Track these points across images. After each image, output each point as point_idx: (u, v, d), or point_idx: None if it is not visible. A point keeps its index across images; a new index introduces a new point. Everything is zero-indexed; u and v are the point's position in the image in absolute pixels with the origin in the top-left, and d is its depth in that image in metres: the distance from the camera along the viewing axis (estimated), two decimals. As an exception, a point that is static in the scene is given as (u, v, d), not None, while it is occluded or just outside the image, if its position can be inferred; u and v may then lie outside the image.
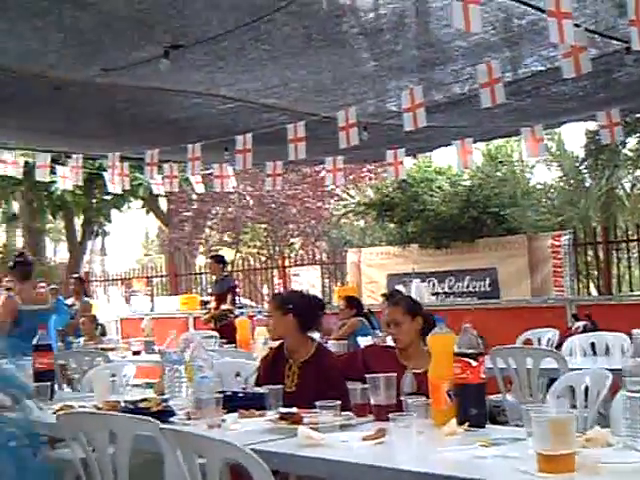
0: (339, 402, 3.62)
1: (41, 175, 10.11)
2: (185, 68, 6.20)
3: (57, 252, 39.76)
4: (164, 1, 4.98)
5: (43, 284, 9.81)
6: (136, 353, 8.70)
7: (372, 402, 3.66)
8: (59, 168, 10.57)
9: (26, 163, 10.93)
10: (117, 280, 21.27)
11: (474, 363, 3.27)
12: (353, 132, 7.55)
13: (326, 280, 17.74)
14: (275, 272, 18.77)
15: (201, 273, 20.73)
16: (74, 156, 9.91)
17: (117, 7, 4.91)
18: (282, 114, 8.13)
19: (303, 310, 4.64)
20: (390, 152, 9.35)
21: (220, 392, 3.89)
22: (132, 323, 14.60)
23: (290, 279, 17.39)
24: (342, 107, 7.57)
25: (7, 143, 9.58)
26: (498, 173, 16.45)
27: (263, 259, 21.79)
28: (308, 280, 17.04)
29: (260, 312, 8.82)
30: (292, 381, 4.53)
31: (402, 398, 3.54)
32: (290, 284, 17.22)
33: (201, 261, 25.61)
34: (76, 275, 13.99)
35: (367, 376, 3.75)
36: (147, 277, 20.87)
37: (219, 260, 11.51)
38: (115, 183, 10.12)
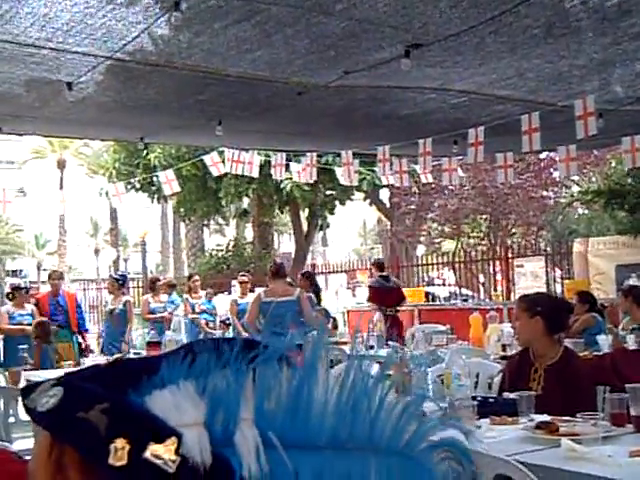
0: (601, 413, 3.50)
1: (277, 173, 10.62)
2: (423, 66, 6.29)
3: (280, 244, 41.50)
4: (407, 2, 5.07)
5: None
6: (370, 347, 8.36)
7: (633, 413, 3.49)
8: (293, 166, 11.04)
9: (263, 162, 11.49)
10: (340, 272, 21.87)
11: None
12: (591, 121, 7.31)
13: (550, 271, 17.27)
14: (497, 263, 18.53)
15: (422, 265, 20.86)
16: (308, 154, 10.31)
17: (362, 11, 5.06)
18: (515, 105, 8.03)
19: (551, 312, 4.51)
20: (627, 139, 8.94)
21: (472, 398, 3.89)
22: (358, 315, 14.90)
23: (513, 270, 17.10)
24: (578, 95, 7.35)
25: (246, 144, 10.14)
26: None
27: (484, 249, 21.56)
28: (532, 271, 16.66)
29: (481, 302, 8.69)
30: (538, 384, 4.45)
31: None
32: (513, 275, 16.93)
33: (421, 252, 25.77)
34: (304, 271, 14.48)
35: (628, 386, 3.59)
36: (370, 268, 21.26)
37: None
38: (347, 178, 10.41)
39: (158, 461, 0.69)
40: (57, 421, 0.75)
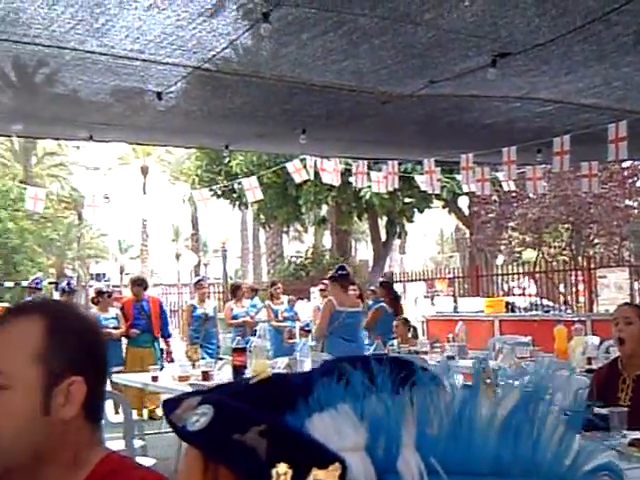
0: None
1: (357, 181, 10.68)
2: (508, 74, 6.25)
3: (357, 251, 41.57)
4: (494, 12, 5.06)
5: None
6: (450, 358, 8.32)
7: None
8: (373, 174, 11.08)
9: (342, 170, 11.57)
10: (419, 280, 21.79)
11: None
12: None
13: (635, 282, 16.90)
14: (579, 273, 18.21)
15: (502, 274, 20.62)
16: (389, 162, 10.34)
17: (449, 21, 5.07)
18: (601, 113, 7.90)
19: None
20: None
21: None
22: (437, 324, 14.82)
23: (596, 281, 16.78)
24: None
25: (329, 152, 10.24)
26: None
27: (565, 260, 21.21)
28: (615, 282, 16.31)
29: (562, 314, 8.55)
30: (626, 394, 4.39)
31: None
32: (596, 286, 16.62)
33: (500, 262, 25.48)
34: (381, 280, 14.47)
35: None
36: (449, 278, 21.17)
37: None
38: (429, 186, 10.40)
39: None
40: (211, 441, 0.74)
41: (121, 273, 48.12)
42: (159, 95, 6.59)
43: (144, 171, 45.29)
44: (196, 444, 0.77)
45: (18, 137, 23.80)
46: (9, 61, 6.16)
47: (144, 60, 5.77)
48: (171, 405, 0.80)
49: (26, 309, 1.34)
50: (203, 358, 8.66)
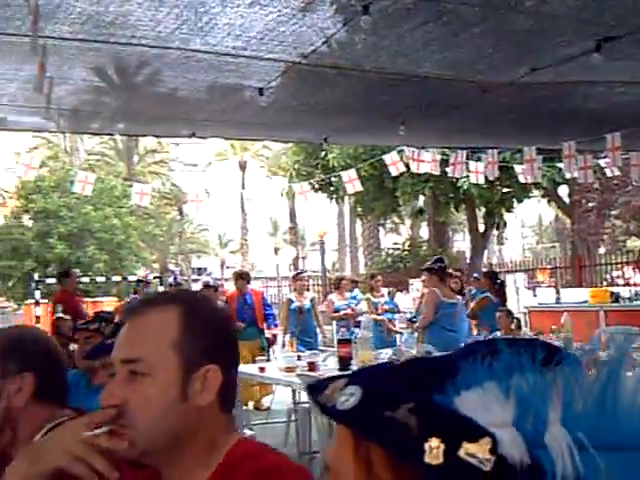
0: None
1: (456, 171, 10.60)
2: (612, 59, 6.10)
3: (454, 242, 41.17)
4: (599, -5, 4.97)
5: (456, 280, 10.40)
6: None
7: None
8: (472, 164, 10.98)
9: (439, 161, 11.50)
10: (519, 271, 21.45)
11: None
12: None
13: None
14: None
15: (605, 264, 20.11)
16: (489, 151, 10.23)
17: (552, 7, 5.00)
18: None
19: None
20: None
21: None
22: (540, 316, 14.57)
23: None
24: None
25: (427, 143, 10.20)
26: None
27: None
28: None
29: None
30: None
31: None
32: None
33: (603, 251, 24.82)
34: (486, 271, 14.29)
35: None
36: (550, 268, 20.77)
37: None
38: (530, 175, 10.24)
39: (473, 460, 0.71)
40: (362, 419, 0.78)
41: (222, 267, 49.02)
42: (260, 91, 6.71)
43: (242, 166, 45.99)
44: (347, 422, 0.81)
45: (124, 135, 24.55)
46: (115, 63, 6.39)
47: (246, 57, 5.89)
48: (318, 387, 0.84)
49: (162, 299, 1.38)
50: (301, 351, 8.78)
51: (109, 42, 5.63)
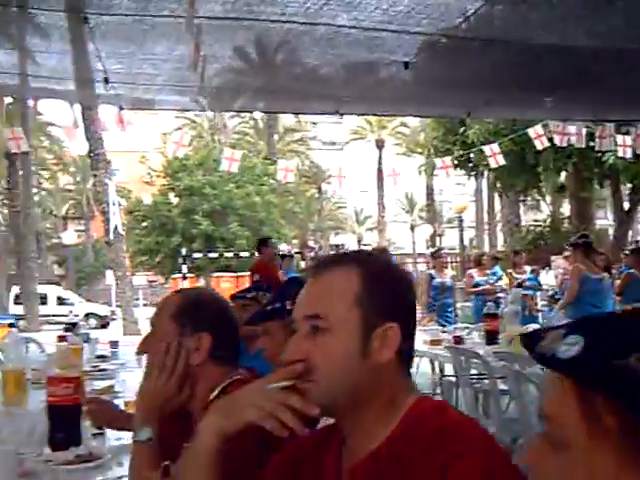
0: None
1: (603, 145, 10.29)
2: None
3: (596, 219, 39.76)
4: None
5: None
6: None
7: None
8: (619, 137, 10.62)
9: (588, 134, 11.18)
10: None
11: None
12: None
13: None
14: None
15: None
16: (639, 124, 9.88)
17: None
18: None
19: None
20: None
21: None
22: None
23: None
24: None
25: (573, 115, 9.94)
26: None
27: None
28: None
29: None
30: None
31: None
32: None
33: None
34: (634, 248, 13.76)
35: None
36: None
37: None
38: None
39: None
40: (587, 368, 0.78)
41: (359, 244, 49.31)
42: (406, 65, 6.73)
43: (379, 144, 45.97)
44: (570, 371, 0.81)
45: (269, 113, 24.86)
46: (262, 41, 6.59)
47: (393, 31, 5.93)
48: (534, 337, 0.86)
49: (344, 259, 1.43)
50: (442, 325, 8.78)
51: (259, 19, 5.80)
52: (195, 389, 1.98)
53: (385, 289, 1.39)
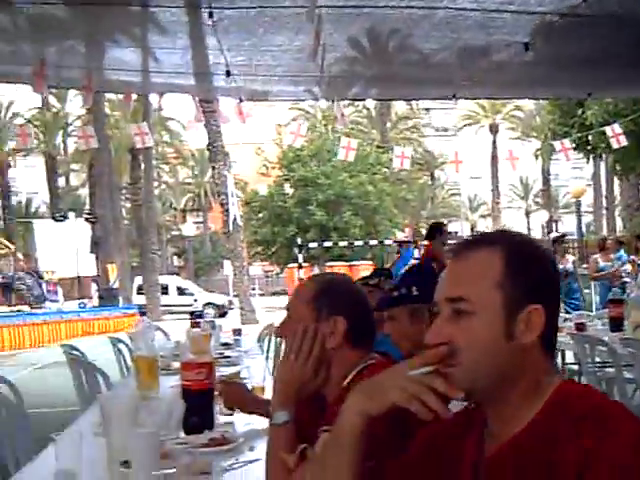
0: None
1: None
2: None
3: None
4: None
5: None
6: None
7: None
8: None
9: None
10: None
11: None
12: None
13: None
14: None
15: None
16: None
17: None
18: None
19: None
20: None
21: None
22: None
23: None
24: None
25: None
26: None
27: None
28: None
29: None
30: None
31: None
32: None
33: None
34: None
35: None
36: None
37: None
38: None
39: None
40: None
41: (472, 231, 48.73)
42: (526, 46, 6.59)
43: (493, 129, 45.20)
44: None
45: (385, 100, 24.80)
46: (381, 28, 6.58)
47: (514, 12, 5.82)
48: None
49: (486, 240, 1.41)
50: (568, 312, 8.58)
51: (378, 6, 5.79)
52: (330, 373, 1.99)
53: (529, 270, 1.36)
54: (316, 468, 1.46)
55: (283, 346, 2.11)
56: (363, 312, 2.08)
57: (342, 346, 1.99)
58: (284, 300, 33.75)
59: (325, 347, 1.98)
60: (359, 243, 25.31)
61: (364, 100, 25.29)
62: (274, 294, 38.95)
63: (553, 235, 13.00)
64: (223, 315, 27.67)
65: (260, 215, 31.98)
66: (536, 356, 1.34)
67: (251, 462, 2.46)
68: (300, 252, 21.67)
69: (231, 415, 3.02)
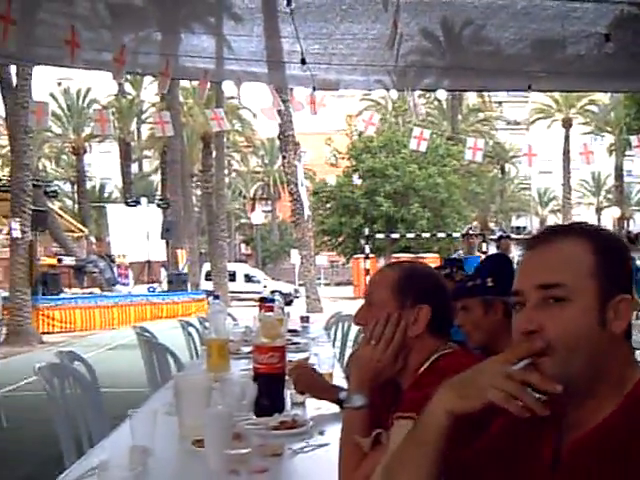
0: None
1: None
2: None
3: None
4: None
5: None
6: None
7: None
8: None
9: None
10: None
11: None
12: None
13: None
14: None
15: None
16: None
17: None
18: None
19: None
20: None
21: None
22: None
23: None
24: None
25: None
26: None
27: None
28: None
29: None
30: None
31: None
32: None
33: None
34: None
35: None
36: None
37: None
38: None
39: None
40: None
41: (540, 226, 47.98)
42: (607, 37, 6.44)
43: (566, 123, 44.34)
44: None
45: (457, 91, 24.58)
46: (460, 17, 6.51)
47: (595, 1, 5.69)
48: None
49: (572, 229, 1.41)
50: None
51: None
52: (408, 360, 1.99)
53: (618, 261, 1.37)
54: (393, 460, 1.43)
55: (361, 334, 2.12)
56: (446, 300, 2.07)
57: (423, 334, 1.98)
58: (348, 290, 33.75)
59: (407, 334, 1.98)
60: (426, 235, 25.18)
61: (435, 91, 25.02)
62: (339, 284, 38.99)
63: (625, 232, 12.73)
64: (289, 303, 27.84)
65: (328, 205, 32.06)
66: (622, 346, 1.34)
67: (321, 446, 2.47)
68: (367, 243, 21.64)
69: (302, 400, 3.04)
